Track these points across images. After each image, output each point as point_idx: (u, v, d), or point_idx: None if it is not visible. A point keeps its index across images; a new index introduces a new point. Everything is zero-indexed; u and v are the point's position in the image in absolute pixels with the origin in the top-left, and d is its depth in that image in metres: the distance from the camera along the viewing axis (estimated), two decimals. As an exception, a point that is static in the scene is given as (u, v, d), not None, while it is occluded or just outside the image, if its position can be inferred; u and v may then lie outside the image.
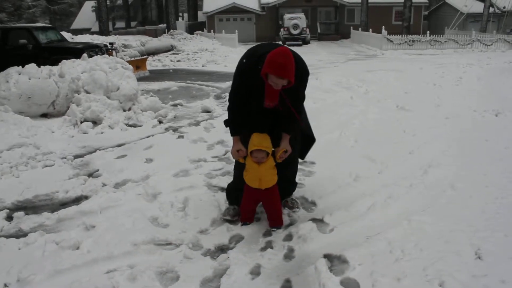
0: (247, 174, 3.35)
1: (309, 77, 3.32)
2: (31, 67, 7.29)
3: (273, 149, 3.34)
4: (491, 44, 22.12)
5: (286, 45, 3.35)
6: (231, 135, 3.38)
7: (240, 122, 3.33)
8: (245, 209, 3.52)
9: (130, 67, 8.45)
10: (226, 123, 3.42)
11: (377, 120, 6.87)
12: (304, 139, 3.70)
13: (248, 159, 3.31)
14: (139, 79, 10.78)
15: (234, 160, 3.59)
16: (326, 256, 3.03)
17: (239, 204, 3.57)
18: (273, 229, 3.42)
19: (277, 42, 3.44)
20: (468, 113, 7.18)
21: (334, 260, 3.01)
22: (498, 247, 3.05)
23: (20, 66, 7.39)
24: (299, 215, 3.66)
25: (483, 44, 22.21)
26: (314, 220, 3.57)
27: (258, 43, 3.55)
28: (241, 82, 3.23)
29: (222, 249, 3.19)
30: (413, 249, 3.05)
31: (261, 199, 3.46)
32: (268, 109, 3.27)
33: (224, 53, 20.22)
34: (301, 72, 3.15)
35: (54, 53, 11.52)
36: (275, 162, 3.33)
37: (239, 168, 3.49)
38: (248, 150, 3.28)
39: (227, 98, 3.34)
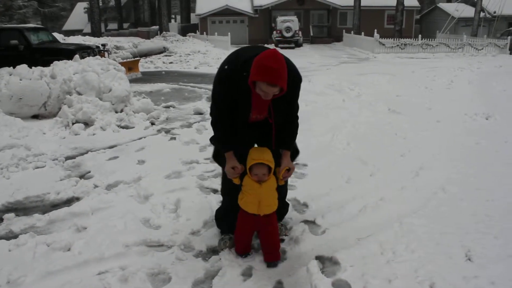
0: (243, 197, 2.91)
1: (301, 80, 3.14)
2: (22, 68, 7.24)
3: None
4: (482, 49, 22.33)
5: (277, 48, 3.00)
6: (223, 152, 2.92)
7: (229, 136, 2.91)
8: (240, 240, 3.05)
9: (123, 68, 8.42)
10: (213, 140, 3.06)
11: (369, 123, 6.91)
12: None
13: (247, 179, 2.86)
14: (132, 80, 10.74)
15: None
16: (317, 257, 3.04)
17: (233, 231, 3.12)
18: (270, 264, 2.97)
19: (263, 45, 3.22)
20: (459, 117, 7.24)
21: (326, 262, 3.02)
22: (488, 249, 3.09)
23: (11, 67, 7.34)
24: (291, 216, 3.66)
25: (474, 48, 22.42)
26: (306, 222, 3.57)
27: (243, 46, 3.11)
28: (224, 92, 2.79)
29: (214, 250, 3.18)
30: (404, 251, 3.07)
31: (258, 228, 2.99)
32: (255, 123, 2.93)
33: (216, 55, 20.23)
34: (293, 79, 2.73)
35: (46, 54, 11.45)
36: (277, 183, 2.93)
37: (230, 193, 3.10)
38: (246, 167, 2.84)
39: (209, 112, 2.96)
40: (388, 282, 2.72)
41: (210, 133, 6.49)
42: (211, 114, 2.95)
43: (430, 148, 5.49)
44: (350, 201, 3.95)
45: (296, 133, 3.03)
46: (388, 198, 4.01)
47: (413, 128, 6.48)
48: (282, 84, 2.53)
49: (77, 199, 4.14)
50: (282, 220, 3.45)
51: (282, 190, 3.28)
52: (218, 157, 3.16)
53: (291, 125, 2.97)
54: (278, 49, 2.80)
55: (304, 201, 3.97)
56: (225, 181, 3.13)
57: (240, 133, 2.92)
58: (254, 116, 2.87)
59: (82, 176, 4.73)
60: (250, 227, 2.98)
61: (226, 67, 2.78)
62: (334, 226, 3.51)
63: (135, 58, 15.37)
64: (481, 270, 2.83)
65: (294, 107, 2.95)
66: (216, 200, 3.94)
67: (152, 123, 7.08)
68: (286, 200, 3.54)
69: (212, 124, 2.97)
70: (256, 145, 3.06)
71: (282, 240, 3.26)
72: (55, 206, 4.02)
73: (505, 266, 2.89)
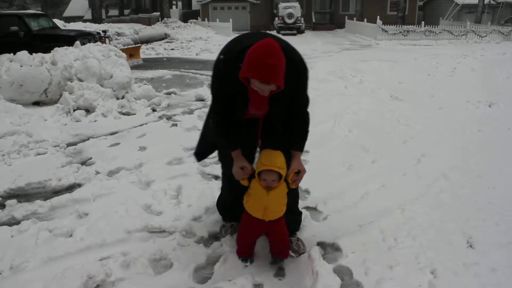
0: (249, 199, 2.67)
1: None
2: (23, 54, 7.21)
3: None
4: (486, 36, 22.12)
5: (279, 35, 2.43)
6: (231, 150, 2.62)
7: (235, 133, 2.61)
8: (243, 243, 2.85)
9: (124, 55, 8.38)
10: (201, 148, 2.85)
11: (371, 109, 6.88)
12: None
13: (255, 182, 2.60)
14: (133, 67, 10.70)
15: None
16: (319, 244, 3.05)
17: (236, 219, 2.98)
18: (276, 261, 2.85)
19: (266, 32, 2.92)
20: (462, 104, 7.21)
21: (327, 248, 3.03)
22: (489, 236, 3.09)
23: (12, 53, 7.31)
24: (292, 203, 3.66)
25: (478, 35, 22.21)
26: (307, 208, 3.58)
27: (245, 32, 2.79)
28: (222, 86, 2.49)
29: (215, 236, 3.19)
30: (406, 237, 3.08)
31: (263, 231, 2.81)
32: (257, 119, 2.64)
33: (218, 42, 20.10)
34: (296, 70, 2.41)
35: (46, 41, 11.39)
36: (288, 189, 2.66)
37: (231, 189, 2.89)
38: (256, 171, 2.58)
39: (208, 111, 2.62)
40: (389, 269, 2.73)
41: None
42: (213, 112, 2.65)
43: (432, 135, 5.47)
44: (351, 188, 3.95)
45: (307, 131, 2.68)
46: (390, 185, 4.01)
47: (415, 115, 6.45)
48: (277, 82, 2.21)
49: (79, 185, 4.15)
50: (297, 233, 3.13)
51: (292, 197, 2.88)
52: (200, 155, 3.14)
53: (299, 122, 2.64)
54: (279, 35, 2.40)
55: (306, 188, 3.96)
56: (226, 175, 2.97)
57: (242, 130, 2.64)
58: (252, 112, 2.57)
59: (83, 163, 4.74)
60: (254, 230, 2.77)
61: (221, 57, 2.47)
62: (335, 212, 3.52)
63: (136, 45, 15.29)
64: (481, 257, 2.84)
65: (301, 101, 2.59)
66: (217, 186, 3.93)
67: (154, 110, 7.07)
68: (299, 209, 3.20)
69: (214, 120, 2.68)
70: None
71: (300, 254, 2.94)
72: (57, 192, 4.03)
73: (506, 253, 2.89)
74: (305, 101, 2.61)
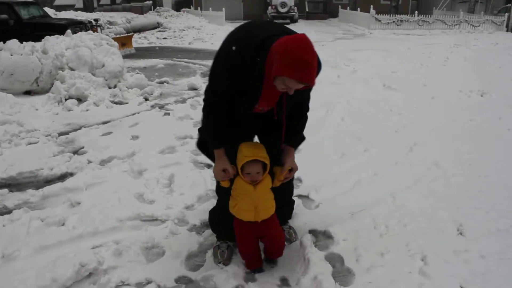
0: (236, 203, 2.47)
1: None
2: (13, 43, 7.14)
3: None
4: (479, 25, 22.15)
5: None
6: (214, 148, 2.43)
7: (223, 130, 2.40)
8: (246, 253, 2.66)
9: (116, 43, 8.30)
10: (202, 131, 2.54)
11: (363, 99, 6.88)
12: None
13: (239, 180, 2.43)
14: (125, 56, 10.62)
15: None
16: (311, 231, 3.07)
17: (232, 238, 2.73)
18: (271, 260, 2.76)
19: (271, 21, 2.78)
20: (454, 93, 7.24)
21: (319, 236, 3.05)
22: (480, 223, 3.12)
23: (1, 42, 7.23)
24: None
25: (471, 25, 22.23)
26: (300, 196, 3.59)
27: (247, 21, 2.55)
28: (229, 79, 2.22)
29: (207, 224, 3.18)
30: (397, 225, 3.10)
31: (259, 234, 2.57)
32: (257, 114, 2.46)
33: (211, 31, 19.98)
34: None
35: (37, 29, 11.25)
36: (271, 184, 2.52)
37: (228, 192, 2.57)
38: (237, 167, 2.39)
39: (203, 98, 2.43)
40: (381, 256, 2.75)
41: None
42: (206, 101, 2.38)
43: (424, 124, 5.50)
44: (343, 176, 3.97)
45: (304, 128, 2.62)
46: (382, 173, 4.03)
47: (408, 104, 6.47)
48: (313, 82, 2.05)
49: (71, 174, 4.13)
50: (289, 221, 3.14)
51: (289, 190, 3.01)
52: (203, 146, 2.66)
53: (300, 118, 2.57)
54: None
55: (298, 176, 3.97)
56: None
57: (240, 125, 2.48)
58: (260, 108, 2.39)
59: (75, 152, 4.71)
60: (252, 235, 2.56)
61: (233, 48, 2.17)
62: (327, 200, 3.54)
63: (129, 34, 15.15)
64: (471, 244, 2.87)
65: (307, 99, 2.52)
66: (210, 175, 3.94)
67: (146, 99, 7.03)
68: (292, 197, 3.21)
69: (205, 111, 2.40)
70: (257, 139, 2.69)
71: (291, 242, 2.97)
72: (49, 181, 4.02)
73: (495, 240, 2.93)
74: (309, 99, 2.54)
